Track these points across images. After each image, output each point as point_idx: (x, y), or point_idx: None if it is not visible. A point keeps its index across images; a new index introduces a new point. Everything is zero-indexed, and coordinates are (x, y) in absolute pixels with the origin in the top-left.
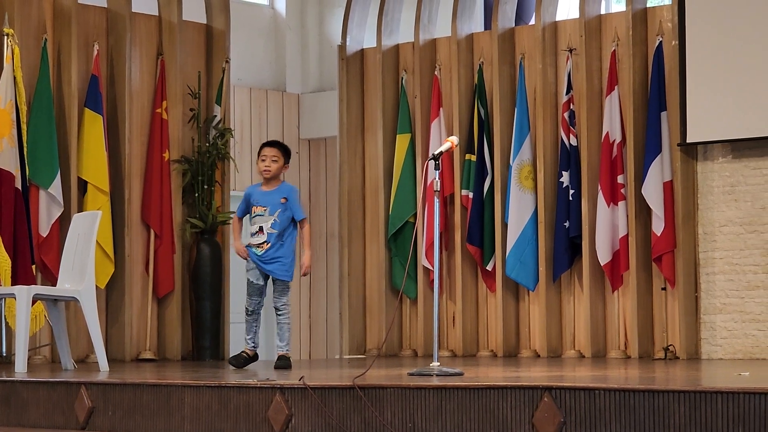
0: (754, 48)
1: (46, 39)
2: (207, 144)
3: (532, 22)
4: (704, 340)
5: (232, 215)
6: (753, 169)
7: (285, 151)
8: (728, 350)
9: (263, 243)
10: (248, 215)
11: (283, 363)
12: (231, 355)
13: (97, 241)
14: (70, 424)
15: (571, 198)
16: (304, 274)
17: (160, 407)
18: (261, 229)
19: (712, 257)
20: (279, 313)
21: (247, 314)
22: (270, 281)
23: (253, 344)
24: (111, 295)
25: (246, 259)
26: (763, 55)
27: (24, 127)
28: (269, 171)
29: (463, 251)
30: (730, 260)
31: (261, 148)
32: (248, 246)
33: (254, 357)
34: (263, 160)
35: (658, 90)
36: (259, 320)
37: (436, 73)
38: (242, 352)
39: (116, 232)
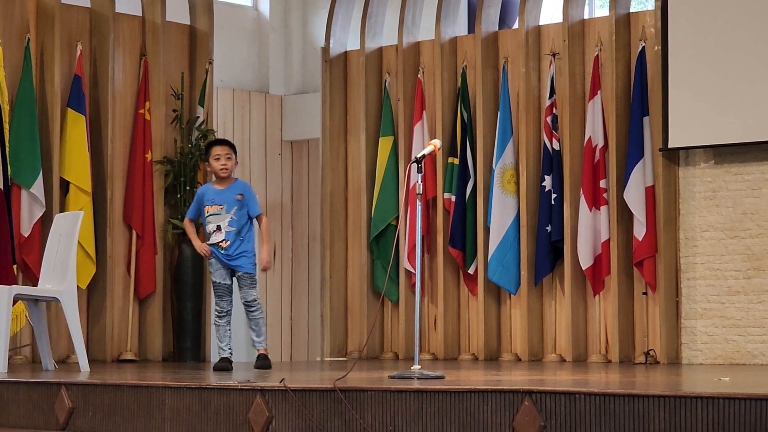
0: (736, 54)
1: (29, 39)
2: (190, 145)
3: (516, 26)
4: (685, 345)
5: None
6: (735, 175)
7: (234, 149)
8: (709, 355)
9: (222, 241)
10: (200, 216)
11: (263, 363)
12: (214, 362)
13: (78, 241)
14: (50, 424)
15: (553, 202)
16: (264, 270)
17: (140, 408)
18: (219, 227)
19: (693, 262)
20: (251, 308)
21: (219, 317)
22: (235, 280)
23: (230, 351)
24: (92, 295)
25: (209, 257)
26: (746, 61)
27: (6, 126)
28: (226, 169)
29: (445, 254)
30: (711, 265)
31: (211, 147)
32: (210, 244)
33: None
34: (218, 159)
35: (641, 95)
36: (230, 324)
37: (419, 76)
38: (222, 358)
39: (98, 232)
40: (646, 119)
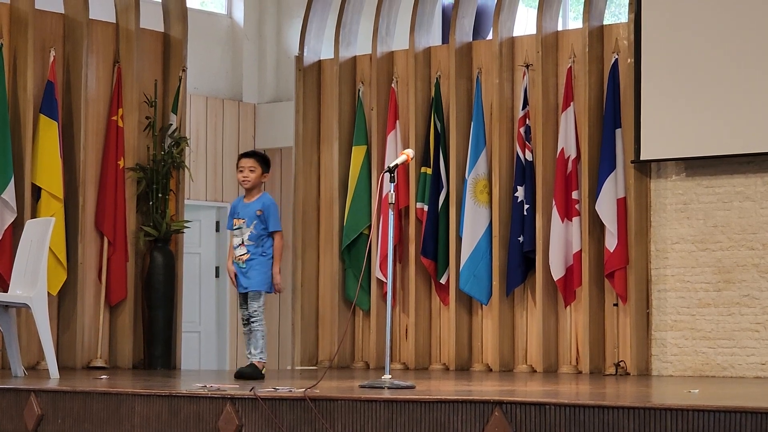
0: (708, 67)
1: (2, 44)
2: (162, 152)
3: (490, 36)
4: (655, 357)
5: (187, 224)
6: (706, 188)
7: (263, 161)
8: (678, 367)
9: (244, 254)
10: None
11: (249, 371)
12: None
13: (49, 247)
14: (19, 431)
15: (525, 213)
16: (277, 291)
17: (110, 415)
18: (242, 242)
19: (664, 274)
20: (253, 319)
21: (243, 325)
22: None
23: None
24: (63, 302)
25: (233, 279)
26: (718, 74)
27: None
28: (248, 180)
29: (417, 264)
30: (681, 277)
31: (238, 159)
32: (234, 261)
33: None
34: (241, 171)
35: (613, 107)
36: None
37: (393, 85)
38: (249, 365)
39: (69, 238)
40: (618, 131)
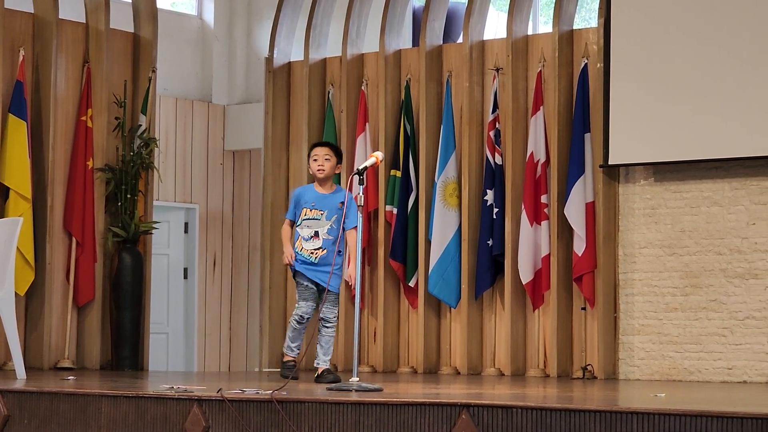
0: (677, 73)
1: None
2: (131, 153)
3: (460, 40)
4: (622, 361)
5: (156, 225)
6: (674, 192)
7: (337, 152)
8: (645, 371)
9: (318, 249)
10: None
11: (333, 377)
12: (281, 368)
13: (17, 247)
14: None
15: (494, 216)
16: (348, 285)
17: (76, 416)
18: (317, 234)
19: (631, 278)
20: (327, 324)
21: (298, 323)
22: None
23: (298, 351)
24: (30, 302)
25: (289, 265)
26: (686, 80)
27: None
28: (323, 170)
29: (386, 267)
30: (649, 282)
31: (311, 149)
32: (298, 252)
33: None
34: (315, 160)
35: (583, 111)
36: (305, 330)
37: (363, 88)
38: (289, 360)
39: (37, 239)
40: (587, 136)
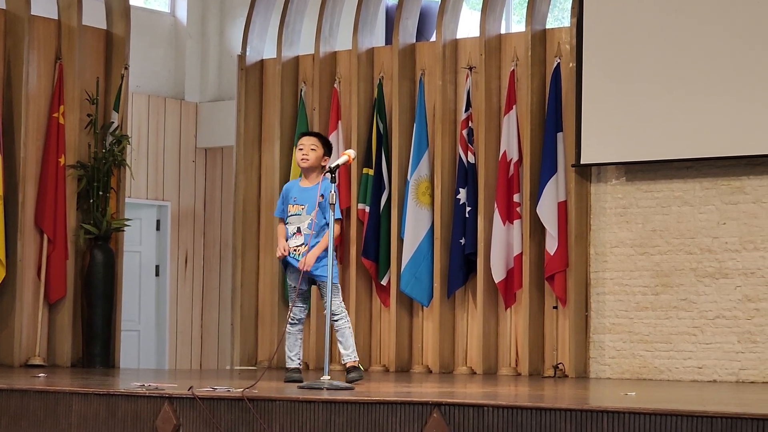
0: (649, 73)
1: None
2: (103, 150)
3: (433, 38)
4: (593, 360)
5: (127, 222)
6: (645, 192)
7: (325, 142)
8: (616, 370)
9: (301, 246)
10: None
11: (357, 375)
12: (286, 375)
13: None
14: None
15: (467, 215)
16: (300, 269)
17: (47, 414)
18: (299, 230)
19: (603, 277)
20: (336, 317)
21: (291, 324)
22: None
23: (299, 361)
24: (1, 299)
25: (281, 259)
26: (658, 80)
27: None
28: (307, 159)
29: (358, 265)
30: (620, 281)
31: (297, 138)
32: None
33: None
34: (300, 149)
35: (555, 111)
36: (302, 333)
37: (335, 85)
38: (292, 368)
39: (8, 236)
40: (560, 135)
